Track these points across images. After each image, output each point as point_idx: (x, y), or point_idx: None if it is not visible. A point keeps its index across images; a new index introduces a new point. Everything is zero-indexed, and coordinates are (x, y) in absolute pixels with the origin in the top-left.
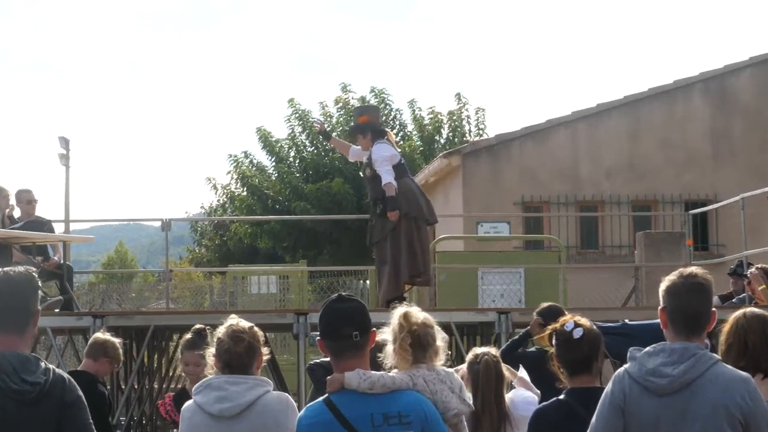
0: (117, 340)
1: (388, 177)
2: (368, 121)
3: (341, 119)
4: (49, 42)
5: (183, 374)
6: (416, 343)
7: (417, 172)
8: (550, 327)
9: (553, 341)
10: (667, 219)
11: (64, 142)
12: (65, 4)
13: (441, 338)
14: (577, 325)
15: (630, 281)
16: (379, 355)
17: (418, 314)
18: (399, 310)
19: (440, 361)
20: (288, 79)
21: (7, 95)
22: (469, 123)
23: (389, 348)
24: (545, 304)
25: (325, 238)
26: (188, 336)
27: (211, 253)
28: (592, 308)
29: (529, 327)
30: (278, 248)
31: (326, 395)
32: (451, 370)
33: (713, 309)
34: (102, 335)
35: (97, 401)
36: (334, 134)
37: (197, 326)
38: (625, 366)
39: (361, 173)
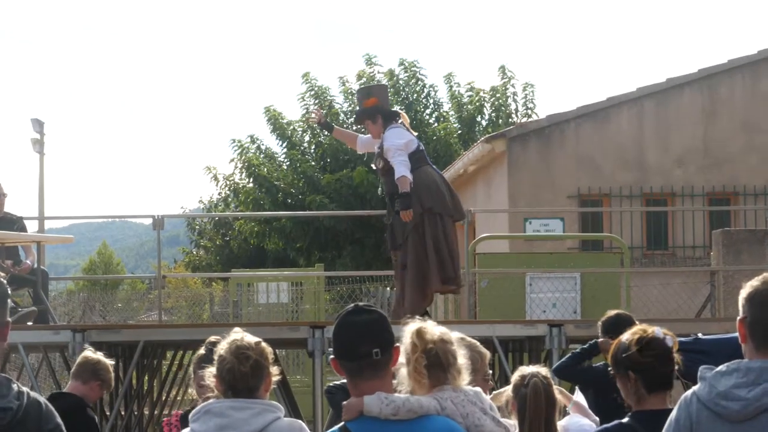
0: (109, 362)
1: (402, 169)
2: (377, 103)
3: None
4: (16, 6)
5: (196, 396)
6: (434, 364)
7: (454, 159)
8: (634, 336)
9: (644, 350)
10: (749, 214)
11: (38, 125)
12: None
13: (463, 355)
14: (664, 333)
15: (705, 288)
16: (393, 380)
17: (434, 329)
18: (411, 327)
19: (464, 381)
20: (302, 50)
21: None
22: (515, 101)
23: (403, 371)
24: (612, 313)
25: (345, 238)
26: (201, 351)
27: (212, 255)
28: (660, 319)
29: (598, 341)
30: (290, 250)
31: (342, 423)
32: (478, 388)
33: None
34: (93, 354)
35: (88, 429)
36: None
37: (212, 338)
38: (694, 388)
39: (372, 165)
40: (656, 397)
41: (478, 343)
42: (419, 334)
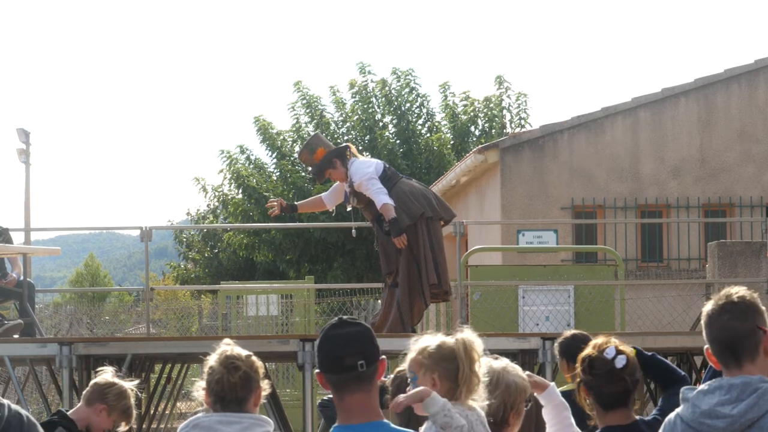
0: (128, 385)
1: (381, 197)
2: (325, 152)
3: (357, 107)
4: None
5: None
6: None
7: (447, 169)
8: (582, 354)
9: (587, 369)
10: (745, 226)
11: (24, 135)
12: None
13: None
14: (618, 351)
15: (700, 300)
16: (409, 387)
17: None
18: (463, 337)
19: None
20: (294, 58)
21: None
22: (509, 112)
23: (424, 375)
24: (567, 334)
25: (336, 250)
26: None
27: (200, 267)
28: (654, 333)
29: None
30: (280, 262)
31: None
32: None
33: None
34: (108, 377)
35: None
36: (346, 140)
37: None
38: (677, 410)
39: (348, 207)
40: (614, 414)
41: (520, 375)
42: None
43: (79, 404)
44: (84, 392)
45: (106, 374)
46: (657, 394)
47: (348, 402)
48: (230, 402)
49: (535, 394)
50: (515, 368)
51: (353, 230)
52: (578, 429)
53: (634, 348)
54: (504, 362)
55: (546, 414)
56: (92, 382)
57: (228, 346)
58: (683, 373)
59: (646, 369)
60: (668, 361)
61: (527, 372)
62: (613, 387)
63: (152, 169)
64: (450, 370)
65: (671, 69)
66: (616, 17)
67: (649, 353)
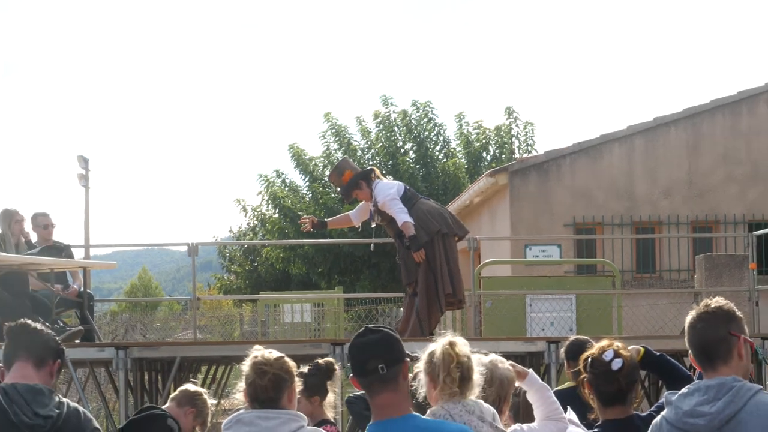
0: (210, 400)
1: (402, 216)
2: (352, 174)
3: (380, 135)
4: (60, 49)
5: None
6: (464, 376)
7: (461, 191)
8: (585, 353)
9: (587, 368)
10: (729, 241)
11: (84, 162)
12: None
13: (479, 372)
14: (616, 354)
15: (689, 307)
16: (413, 383)
17: (465, 345)
18: (444, 340)
19: (473, 395)
20: (323, 92)
21: (17, 111)
22: (517, 139)
23: (423, 378)
24: (573, 338)
25: (362, 263)
26: (304, 369)
27: (241, 279)
28: (648, 336)
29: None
30: (312, 274)
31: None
32: (479, 399)
33: (741, 335)
34: (194, 386)
35: None
36: (369, 161)
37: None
38: (663, 413)
39: (372, 224)
40: (613, 409)
41: (507, 368)
42: (453, 347)
43: (169, 404)
44: (173, 395)
45: (193, 385)
46: (652, 392)
47: (376, 401)
48: (264, 401)
49: (517, 382)
50: (503, 362)
51: (372, 245)
52: (561, 406)
53: (643, 348)
54: (491, 357)
55: (531, 397)
56: (183, 388)
57: (258, 352)
58: (688, 372)
59: (653, 367)
60: (675, 361)
61: (510, 362)
62: (608, 386)
63: (198, 192)
64: (435, 374)
65: (662, 99)
66: (612, 55)
67: (658, 353)
